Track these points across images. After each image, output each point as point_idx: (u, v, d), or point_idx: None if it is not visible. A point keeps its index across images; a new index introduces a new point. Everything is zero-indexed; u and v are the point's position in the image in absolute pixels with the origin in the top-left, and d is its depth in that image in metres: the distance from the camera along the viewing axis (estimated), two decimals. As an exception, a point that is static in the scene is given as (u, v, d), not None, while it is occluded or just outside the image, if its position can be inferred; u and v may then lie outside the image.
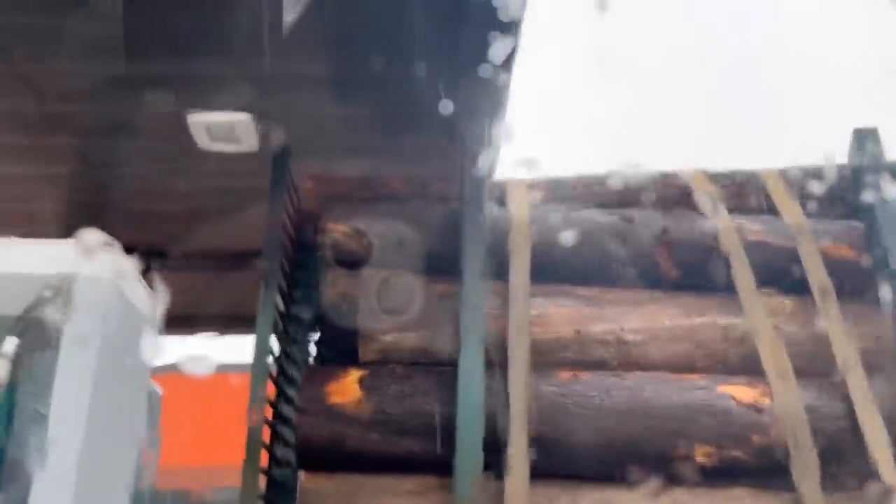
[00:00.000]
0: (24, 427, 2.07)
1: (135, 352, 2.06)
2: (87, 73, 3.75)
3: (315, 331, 3.62)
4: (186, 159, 4.33)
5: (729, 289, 3.30)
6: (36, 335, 1.76)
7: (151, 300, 2.25)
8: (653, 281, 3.38)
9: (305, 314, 3.61)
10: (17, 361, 1.73)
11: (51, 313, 1.76)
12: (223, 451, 3.71)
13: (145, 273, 2.47)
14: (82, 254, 1.85)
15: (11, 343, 1.71)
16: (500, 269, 3.32)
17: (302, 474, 3.14)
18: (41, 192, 4.43)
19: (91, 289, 1.78)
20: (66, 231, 2.61)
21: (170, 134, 4.13)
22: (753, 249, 3.37)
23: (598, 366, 3.21)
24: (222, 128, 4.08)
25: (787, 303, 3.32)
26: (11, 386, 2.30)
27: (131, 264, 2.08)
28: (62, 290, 1.78)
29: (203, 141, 4.13)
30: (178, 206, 4.59)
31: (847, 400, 3.03)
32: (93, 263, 1.82)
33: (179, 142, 4.17)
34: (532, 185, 3.69)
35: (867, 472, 2.94)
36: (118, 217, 4.61)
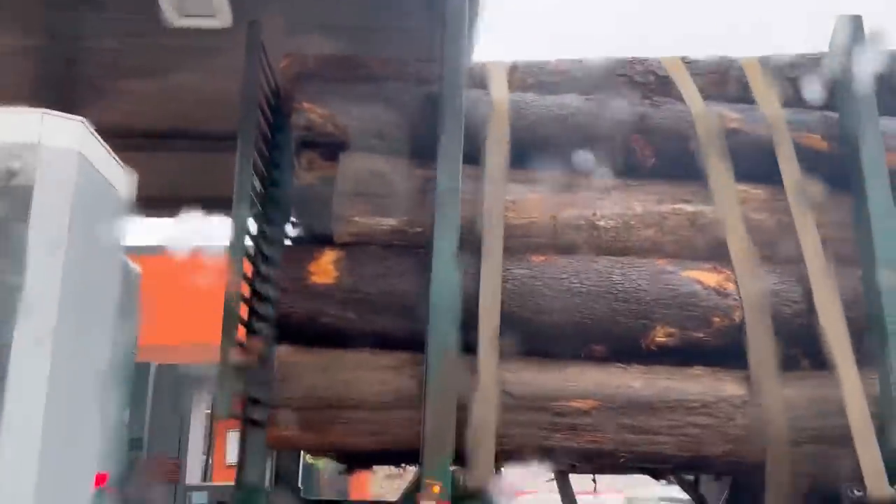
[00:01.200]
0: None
1: (106, 224, 2.04)
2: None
3: (292, 212, 3.62)
4: (158, 35, 4.13)
5: (702, 177, 3.33)
6: (3, 204, 1.73)
7: (123, 175, 2.20)
8: (628, 168, 3.40)
9: (283, 196, 3.60)
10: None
11: (19, 182, 1.72)
12: (204, 329, 3.76)
13: (119, 152, 2.41)
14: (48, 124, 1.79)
15: (-22, 213, 1.68)
16: (477, 154, 3.31)
17: (279, 348, 3.20)
18: (6, 67, 4.25)
19: (57, 158, 1.73)
20: (34, 107, 2.53)
21: (140, 7, 3.93)
22: (729, 138, 3.37)
23: (570, 250, 3.28)
24: (193, 1, 3.88)
25: (757, 192, 3.35)
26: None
27: (98, 138, 2.02)
28: (28, 159, 1.74)
29: (172, 15, 3.94)
30: (151, 85, 4.43)
31: (807, 286, 3.12)
32: (59, 134, 1.77)
33: (150, 16, 3.97)
34: (512, 69, 3.62)
35: (821, 354, 3.08)
36: (88, 94, 4.46)
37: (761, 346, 3.03)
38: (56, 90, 4.53)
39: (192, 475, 6.19)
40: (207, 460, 7.30)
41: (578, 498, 3.48)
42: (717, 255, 3.22)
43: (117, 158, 2.13)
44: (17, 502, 1.76)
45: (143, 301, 4.47)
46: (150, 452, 5.14)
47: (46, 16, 4.09)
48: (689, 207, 3.31)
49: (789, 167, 3.32)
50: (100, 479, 3.71)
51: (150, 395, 5.14)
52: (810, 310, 3.11)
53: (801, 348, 3.11)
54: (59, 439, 1.85)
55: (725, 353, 3.11)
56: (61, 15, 4.06)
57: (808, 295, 3.12)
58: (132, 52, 4.30)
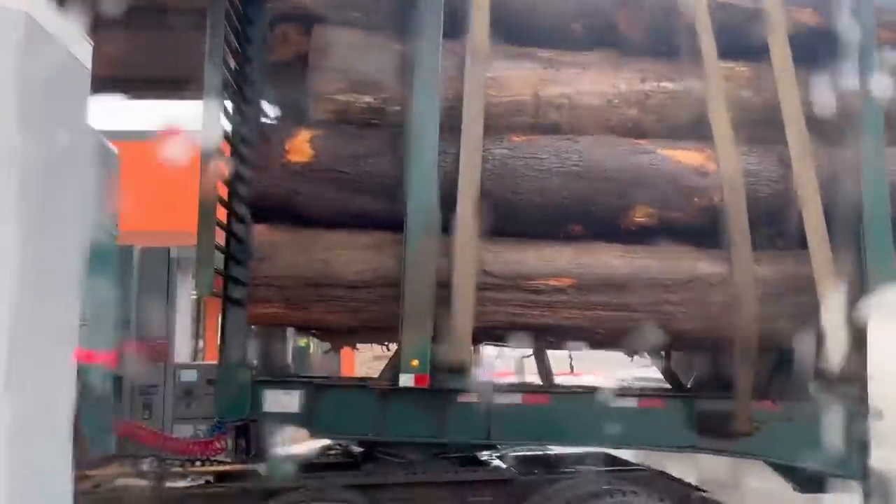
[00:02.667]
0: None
1: (66, 95, 1.95)
2: None
3: (267, 90, 3.51)
4: None
5: (687, 53, 3.23)
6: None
7: (83, 46, 2.09)
8: (612, 44, 3.30)
9: (257, 73, 3.47)
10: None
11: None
12: (183, 214, 3.73)
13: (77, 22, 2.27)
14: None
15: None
16: (458, 29, 3.18)
17: (257, 228, 3.18)
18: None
19: (4, 20, 1.63)
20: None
21: None
22: (720, 12, 3.25)
23: (552, 130, 3.22)
24: None
25: (743, 69, 3.27)
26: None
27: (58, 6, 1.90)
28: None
29: None
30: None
31: (787, 166, 3.10)
32: (10, -2, 1.66)
33: None
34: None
35: (797, 235, 3.09)
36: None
37: (737, 226, 3.04)
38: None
39: (182, 356, 6.33)
40: (198, 342, 7.45)
41: (557, 378, 3.58)
42: (699, 134, 3.17)
43: (76, 26, 2.01)
44: None
45: (125, 186, 4.41)
46: (139, 334, 5.23)
47: None
48: (672, 85, 3.23)
49: (778, 43, 3.21)
50: (88, 357, 3.78)
51: (136, 277, 5.17)
52: (788, 190, 3.10)
53: (777, 228, 3.13)
54: (29, 310, 1.83)
55: (703, 232, 3.12)
56: None
57: (787, 176, 3.10)
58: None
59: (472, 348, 3.06)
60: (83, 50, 2.20)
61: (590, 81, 3.21)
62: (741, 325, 3.01)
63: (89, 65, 2.19)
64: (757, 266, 3.04)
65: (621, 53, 3.29)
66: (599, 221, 3.12)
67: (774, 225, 3.13)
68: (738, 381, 3.03)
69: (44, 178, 1.94)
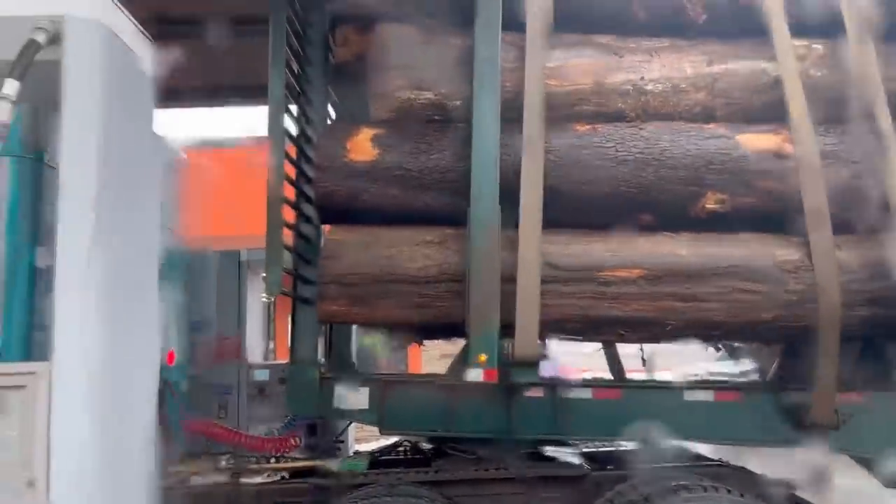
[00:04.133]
0: (40, 179, 2.11)
1: (138, 100, 2.02)
2: None
3: (329, 91, 3.56)
4: None
5: (758, 33, 3.11)
6: (33, 78, 1.71)
7: (149, 49, 2.16)
8: (677, 27, 3.21)
9: (319, 75, 3.52)
10: (18, 104, 1.71)
11: (46, 57, 1.70)
12: (251, 218, 3.81)
13: (152, 40, 2.36)
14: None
15: (11, 86, 1.67)
16: (517, 20, 3.14)
17: (324, 228, 3.22)
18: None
19: (82, 30, 1.70)
20: None
21: None
22: (788, -11, 3.12)
23: (617, 118, 3.15)
24: None
25: (817, 47, 3.14)
26: (31, 144, 2.33)
27: (121, 8, 1.97)
28: (54, 32, 1.71)
29: None
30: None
31: (868, 143, 2.95)
32: (84, 5, 1.73)
33: None
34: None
35: (881, 218, 2.94)
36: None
37: (816, 210, 2.91)
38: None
39: (255, 356, 6.46)
40: (269, 343, 7.61)
41: (628, 375, 3.50)
42: (774, 116, 3.05)
43: (143, 31, 2.08)
44: (79, 383, 1.82)
45: (196, 191, 4.54)
46: (214, 335, 5.37)
47: None
48: (742, 67, 3.11)
49: (854, 19, 3.07)
50: (169, 357, 3.90)
51: (214, 281, 5.31)
52: (871, 171, 2.96)
53: (858, 211, 2.98)
54: (112, 311, 1.90)
55: (778, 218, 3.00)
56: None
57: (869, 154, 2.96)
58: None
59: (540, 342, 3.03)
60: (148, 57, 2.26)
61: (655, 67, 3.12)
62: (822, 314, 2.88)
63: (153, 72, 2.25)
64: (838, 251, 2.92)
65: (686, 37, 3.19)
66: (668, 210, 3.04)
67: (855, 208, 2.99)
68: (821, 373, 2.89)
69: (118, 183, 2.00)
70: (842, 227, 2.97)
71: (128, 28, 2.03)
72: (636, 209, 3.06)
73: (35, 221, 2.43)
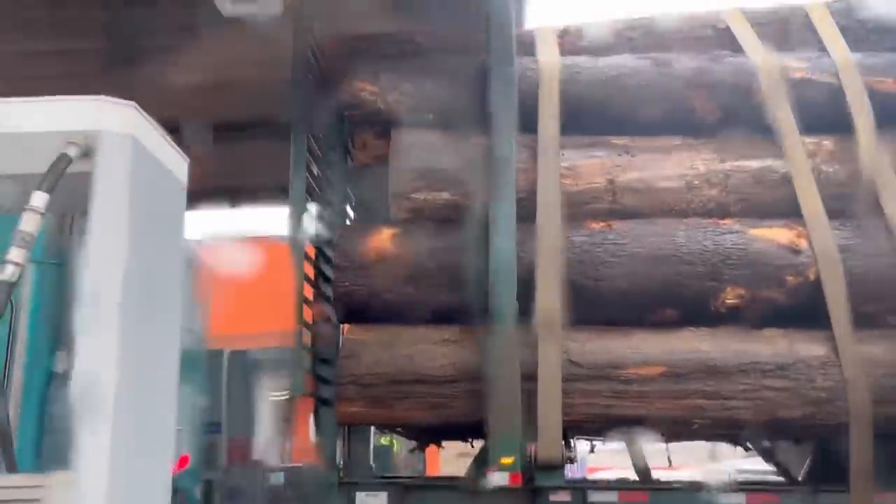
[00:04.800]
0: (62, 283, 2.14)
1: (167, 211, 2.06)
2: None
3: (348, 193, 3.63)
4: (210, 28, 4.20)
5: (766, 131, 3.17)
6: (71, 196, 1.75)
7: (180, 162, 2.22)
8: (688, 126, 3.28)
9: (339, 177, 3.61)
10: (46, 216, 1.74)
11: (77, 169, 1.75)
12: (268, 315, 3.83)
13: (184, 155, 2.44)
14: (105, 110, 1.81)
15: (40, 198, 1.70)
16: (530, 122, 3.24)
17: (344, 327, 3.22)
18: (68, 68, 4.38)
19: (113, 143, 1.74)
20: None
21: (192, 1, 3.99)
22: (796, 87, 3.21)
23: (631, 214, 3.18)
24: (243, -10, 3.91)
25: (826, 143, 3.18)
26: (55, 249, 2.37)
27: (153, 122, 2.03)
28: (86, 145, 1.76)
29: (225, 6, 3.98)
30: (205, 77, 4.49)
31: (884, 238, 2.95)
32: (113, 119, 1.78)
33: (203, 10, 4.02)
34: (562, 33, 3.52)
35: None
36: (146, 91, 4.54)
37: (838, 304, 2.88)
38: (112, 88, 4.64)
39: (269, 458, 6.32)
40: (285, 442, 7.46)
41: (654, 473, 3.39)
42: (788, 211, 3.07)
43: (172, 142, 2.14)
44: (95, 483, 1.78)
45: (211, 290, 4.59)
46: (229, 436, 5.28)
47: (104, 17, 4.20)
48: (754, 164, 3.16)
49: (862, 114, 3.13)
50: (182, 462, 3.84)
51: (225, 381, 5.27)
52: (891, 264, 2.94)
53: (884, 304, 2.94)
54: (131, 421, 1.87)
55: (799, 312, 2.96)
56: (118, 14, 4.16)
57: (887, 249, 2.95)
58: (186, 47, 4.37)
59: (563, 443, 2.96)
60: (181, 167, 2.31)
61: (668, 165, 3.18)
62: (853, 411, 2.80)
63: (186, 181, 2.30)
64: (863, 345, 2.86)
65: (698, 135, 3.26)
66: (688, 305, 3.01)
67: (876, 302, 2.95)
68: (856, 472, 2.78)
69: (142, 290, 2.01)
70: (865, 320, 2.93)
71: (160, 140, 2.09)
72: (655, 305, 3.03)
73: (55, 326, 2.44)
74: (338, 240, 3.37)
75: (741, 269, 2.97)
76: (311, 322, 3.25)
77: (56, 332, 2.43)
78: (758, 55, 3.31)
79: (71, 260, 2.18)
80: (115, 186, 1.81)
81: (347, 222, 3.63)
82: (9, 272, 1.70)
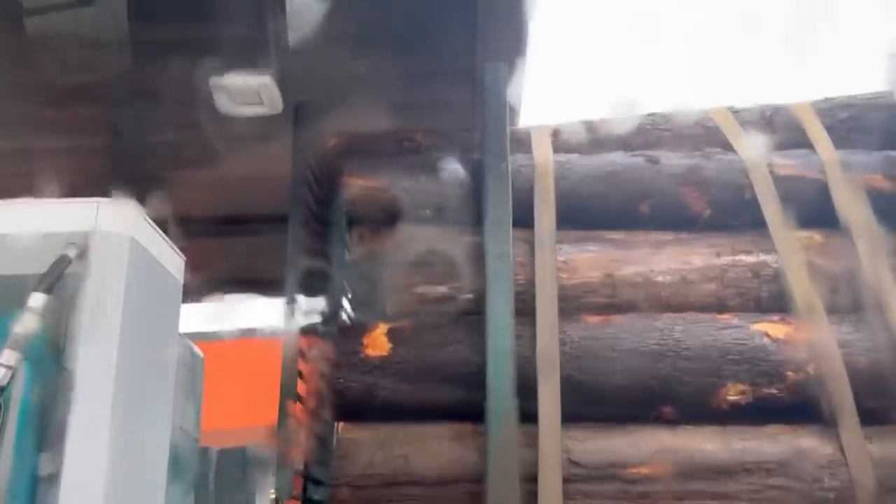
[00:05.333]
0: (54, 384, 2.10)
1: (162, 307, 2.06)
2: (110, 42, 3.74)
3: (344, 287, 3.62)
4: (212, 125, 4.31)
5: (759, 226, 3.22)
6: (66, 294, 1.76)
7: (176, 260, 2.24)
8: (681, 221, 3.31)
9: (334, 271, 3.61)
10: (44, 317, 1.74)
11: (74, 270, 1.76)
12: (261, 411, 3.78)
13: (171, 238, 2.48)
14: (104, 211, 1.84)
15: (38, 299, 1.71)
16: (525, 217, 3.27)
17: (338, 426, 3.15)
18: (69, 164, 4.47)
19: (111, 244, 1.77)
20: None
21: (194, 99, 4.12)
22: (784, 184, 3.27)
23: (629, 308, 3.16)
24: (244, 91, 4.05)
25: (818, 237, 3.22)
26: (50, 347, 2.34)
27: (151, 222, 2.07)
28: (84, 246, 1.78)
29: (226, 105, 4.11)
30: (202, 172, 4.58)
31: (883, 333, 2.94)
32: (111, 220, 1.82)
33: (204, 107, 4.15)
34: (555, 132, 3.61)
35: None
36: (146, 186, 4.63)
37: (842, 401, 2.84)
38: (113, 183, 4.72)
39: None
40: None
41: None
42: (783, 305, 3.07)
43: (171, 243, 2.17)
44: None
45: (204, 385, 4.53)
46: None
47: (109, 114, 4.32)
48: (749, 258, 3.18)
49: (850, 210, 3.18)
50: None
51: (213, 479, 5.14)
52: (892, 360, 2.92)
53: (886, 401, 2.91)
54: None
55: (803, 409, 2.92)
56: (122, 112, 4.28)
57: (886, 344, 2.94)
58: (189, 144, 4.48)
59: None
60: (177, 265, 2.33)
61: (663, 259, 3.19)
62: (862, 511, 2.72)
63: (182, 278, 2.32)
64: (870, 444, 2.81)
65: (691, 230, 3.29)
66: (690, 402, 2.96)
67: (878, 398, 2.92)
68: (870, 578, 2.69)
69: (135, 388, 2.00)
70: (868, 416, 2.88)
71: (157, 239, 2.11)
72: (656, 401, 2.98)
73: (43, 426, 2.38)
74: (335, 335, 3.32)
75: (741, 364, 2.94)
76: (303, 420, 3.19)
77: (44, 433, 2.38)
78: (746, 152, 3.39)
79: (61, 358, 2.16)
80: (112, 287, 1.82)
81: (343, 317, 3.59)
82: (-1, 375, 1.68)
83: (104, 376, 1.75)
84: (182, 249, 2.71)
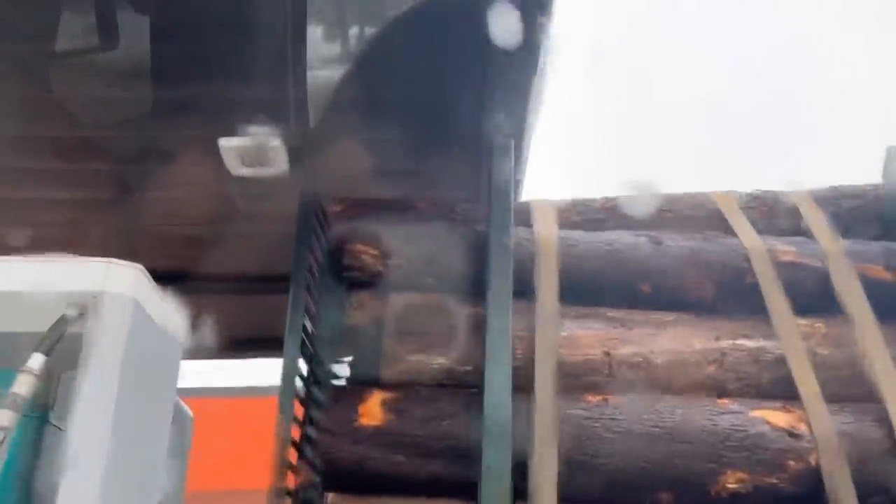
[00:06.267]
0: (49, 446, 2.06)
1: (160, 371, 2.04)
2: (120, 98, 3.81)
3: (342, 353, 3.59)
4: (218, 184, 4.35)
5: (760, 311, 3.21)
6: (61, 352, 1.75)
7: (177, 321, 2.23)
8: (682, 303, 3.31)
9: (332, 336, 3.57)
10: (43, 378, 1.72)
11: (75, 330, 1.75)
12: (251, 474, 3.70)
13: (173, 296, 2.48)
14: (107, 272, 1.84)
15: (37, 360, 1.69)
16: (527, 291, 3.27)
17: (329, 496, 3.07)
18: (75, 217, 4.49)
19: (114, 306, 1.76)
20: (100, 255, 2.63)
21: (202, 159, 4.16)
22: (785, 270, 3.28)
23: (628, 389, 3.12)
24: (253, 152, 4.09)
25: (819, 325, 3.21)
26: (38, 403, 2.30)
27: (156, 285, 2.07)
28: (86, 307, 1.77)
29: (234, 166, 4.15)
30: (207, 230, 4.60)
31: (887, 425, 2.91)
32: (117, 281, 1.81)
33: (211, 167, 4.19)
34: (559, 207, 3.64)
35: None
36: (150, 242, 4.64)
37: (844, 494, 2.78)
38: (118, 239, 4.73)
39: None
40: None
41: None
42: (784, 392, 3.04)
43: (172, 303, 2.16)
44: None
45: (194, 447, 4.43)
46: None
47: (117, 171, 4.36)
48: (750, 343, 3.16)
49: (851, 299, 3.19)
50: None
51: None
52: (892, 452, 2.88)
53: (889, 496, 2.85)
54: None
55: (805, 500, 2.86)
56: (128, 168, 4.32)
57: (889, 435, 2.90)
58: (193, 200, 4.51)
59: None
60: (178, 326, 2.32)
61: (663, 340, 3.17)
62: None
63: (183, 341, 2.31)
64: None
65: (692, 312, 3.28)
66: (688, 489, 2.89)
67: (882, 494, 2.86)
68: None
69: (128, 452, 1.97)
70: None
71: (160, 300, 2.10)
72: (654, 487, 2.92)
73: (29, 484, 2.32)
74: (329, 402, 3.28)
75: (741, 451, 2.89)
76: (292, 488, 3.12)
77: (29, 492, 2.32)
78: (748, 237, 3.42)
79: (53, 418, 2.12)
80: (111, 349, 1.81)
81: (338, 383, 3.54)
82: (-8, 435, 1.66)
83: (98, 440, 1.71)
84: (183, 305, 2.70)
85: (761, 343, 3.16)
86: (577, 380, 3.13)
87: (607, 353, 3.18)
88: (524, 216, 3.56)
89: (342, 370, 3.60)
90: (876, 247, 3.37)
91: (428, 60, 3.84)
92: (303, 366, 3.39)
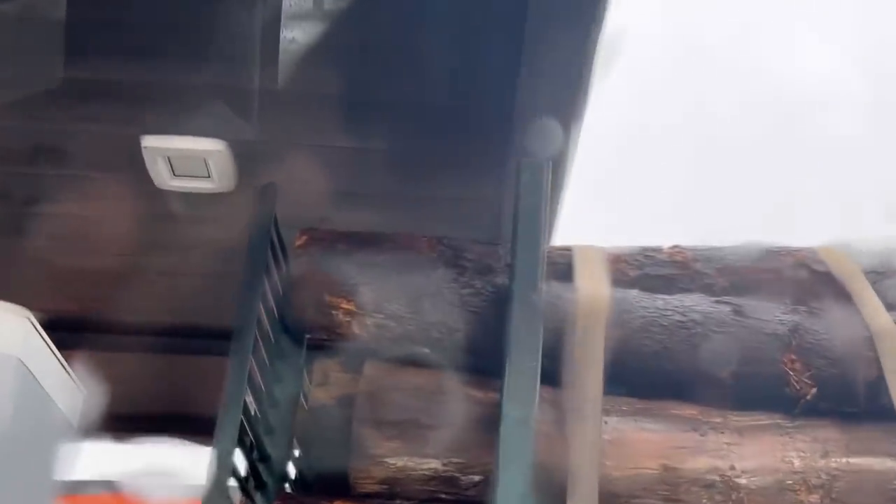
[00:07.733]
0: None
1: (43, 453, 2.04)
2: (8, 78, 3.73)
3: (296, 445, 3.48)
4: (137, 199, 4.29)
5: (888, 417, 3.09)
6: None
7: (73, 389, 2.22)
8: (778, 401, 3.19)
9: (284, 421, 3.50)
10: None
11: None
12: None
13: (69, 351, 2.42)
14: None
15: None
16: (560, 372, 3.16)
17: None
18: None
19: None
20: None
21: (117, 164, 4.10)
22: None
23: (697, 520, 2.99)
24: (188, 159, 4.02)
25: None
26: None
27: (47, 337, 2.03)
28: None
29: (161, 176, 4.06)
30: (120, 263, 4.54)
31: None
32: (14, 343, 1.79)
33: (130, 176, 4.13)
34: (610, 256, 3.56)
35: None
36: (39, 274, 4.55)
37: None
38: (4, 272, 4.65)
39: None
40: None
41: None
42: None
43: (67, 367, 2.19)
44: None
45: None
46: None
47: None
48: (871, 462, 3.04)
49: None
50: None
51: None
52: None
53: None
54: None
55: None
56: (16, 175, 4.25)
57: None
58: (100, 221, 4.46)
59: None
60: (73, 396, 2.39)
61: (749, 453, 3.06)
62: None
63: (77, 415, 2.38)
64: None
65: (792, 414, 3.18)
66: None
67: None
68: None
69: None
70: None
71: (54, 363, 2.16)
72: None
73: None
74: (274, 508, 3.14)
75: None
76: None
77: None
78: (871, 310, 3.33)
79: None
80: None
81: (287, 488, 3.45)
82: None
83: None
84: (83, 366, 2.64)
85: (889, 464, 3.04)
86: (625, 502, 3.03)
87: (668, 469, 3.06)
88: (562, 266, 3.46)
89: (294, 470, 3.53)
90: None
91: (433, 27, 3.77)
92: (240, 460, 3.28)
